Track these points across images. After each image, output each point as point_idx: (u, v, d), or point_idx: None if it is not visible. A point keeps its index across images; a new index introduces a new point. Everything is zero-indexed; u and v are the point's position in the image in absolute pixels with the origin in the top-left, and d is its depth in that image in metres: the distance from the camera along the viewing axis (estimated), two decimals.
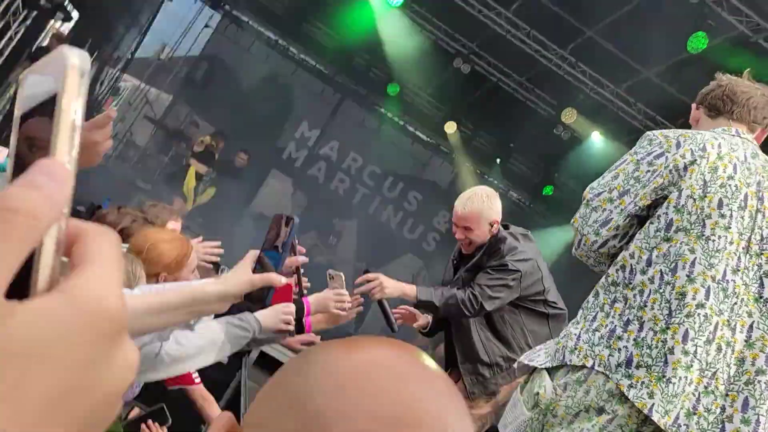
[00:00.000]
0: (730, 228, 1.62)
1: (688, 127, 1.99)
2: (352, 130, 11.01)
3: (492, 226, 2.92)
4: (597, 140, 8.30)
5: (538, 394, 1.75)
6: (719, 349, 1.60)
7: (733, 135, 1.78)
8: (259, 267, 1.35)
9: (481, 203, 2.89)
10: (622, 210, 1.72)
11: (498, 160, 10.56)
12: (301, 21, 9.60)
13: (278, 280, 1.32)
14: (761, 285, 1.64)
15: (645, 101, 7.72)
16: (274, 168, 10.70)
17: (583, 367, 1.69)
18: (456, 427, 0.47)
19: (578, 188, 10.24)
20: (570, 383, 1.70)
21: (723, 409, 1.57)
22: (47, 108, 0.33)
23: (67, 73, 0.32)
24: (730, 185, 1.64)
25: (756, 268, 1.65)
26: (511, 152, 10.54)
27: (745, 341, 1.61)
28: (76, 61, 0.33)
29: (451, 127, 10.22)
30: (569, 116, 8.00)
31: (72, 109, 0.32)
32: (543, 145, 9.41)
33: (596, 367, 1.67)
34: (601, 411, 1.63)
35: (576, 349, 1.72)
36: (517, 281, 2.82)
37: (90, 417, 0.31)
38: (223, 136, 9.82)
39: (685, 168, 1.67)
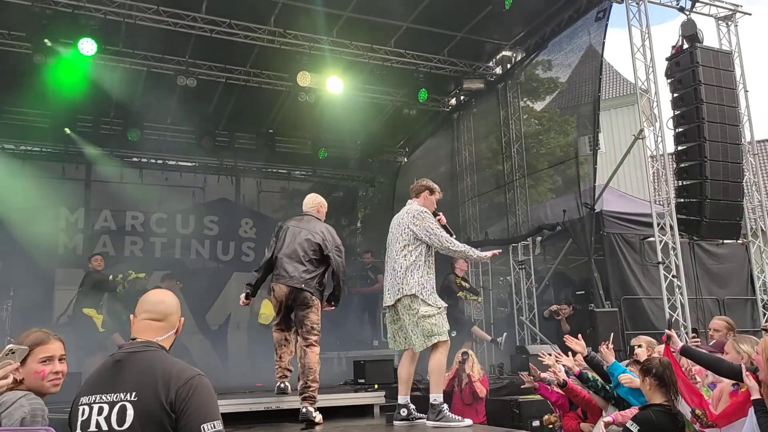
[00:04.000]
0: None
1: None
2: (123, 197, 10.42)
3: None
4: (335, 84, 8.77)
5: None
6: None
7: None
8: None
9: None
10: None
11: (267, 150, 10.72)
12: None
13: None
14: None
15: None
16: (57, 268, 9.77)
17: None
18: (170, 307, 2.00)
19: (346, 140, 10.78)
20: None
21: None
22: None
23: None
24: None
25: None
26: (275, 138, 10.75)
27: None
28: None
29: (207, 142, 10.14)
30: (304, 79, 8.36)
31: None
32: (303, 116, 9.76)
33: None
34: None
35: None
36: None
37: None
38: None
39: None
